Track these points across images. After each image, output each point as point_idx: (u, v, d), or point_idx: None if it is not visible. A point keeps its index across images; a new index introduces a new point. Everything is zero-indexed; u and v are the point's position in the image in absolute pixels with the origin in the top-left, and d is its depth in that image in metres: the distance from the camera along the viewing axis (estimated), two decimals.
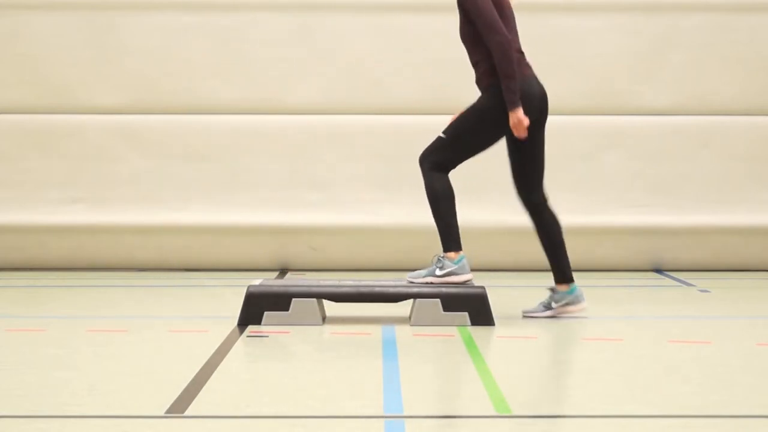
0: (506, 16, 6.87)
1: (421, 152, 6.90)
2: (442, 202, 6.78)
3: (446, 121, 9.92)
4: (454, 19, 9.97)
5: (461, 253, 6.75)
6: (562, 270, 6.96)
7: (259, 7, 9.85)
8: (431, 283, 6.73)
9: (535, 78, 6.85)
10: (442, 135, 6.88)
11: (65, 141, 9.79)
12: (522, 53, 6.86)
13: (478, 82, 6.88)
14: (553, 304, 6.96)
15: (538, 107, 6.84)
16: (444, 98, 9.83)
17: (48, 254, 9.77)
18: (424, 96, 9.85)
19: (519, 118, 6.68)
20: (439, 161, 6.83)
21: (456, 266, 6.72)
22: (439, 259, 6.76)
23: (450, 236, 6.77)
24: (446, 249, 6.76)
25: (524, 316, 6.98)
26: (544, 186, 7.06)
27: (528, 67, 6.86)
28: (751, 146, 9.86)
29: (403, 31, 9.87)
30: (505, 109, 6.69)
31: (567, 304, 6.95)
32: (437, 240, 9.69)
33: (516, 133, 6.73)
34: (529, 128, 6.77)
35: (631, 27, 9.84)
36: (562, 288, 6.97)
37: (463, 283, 6.73)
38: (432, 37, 9.84)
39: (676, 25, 9.84)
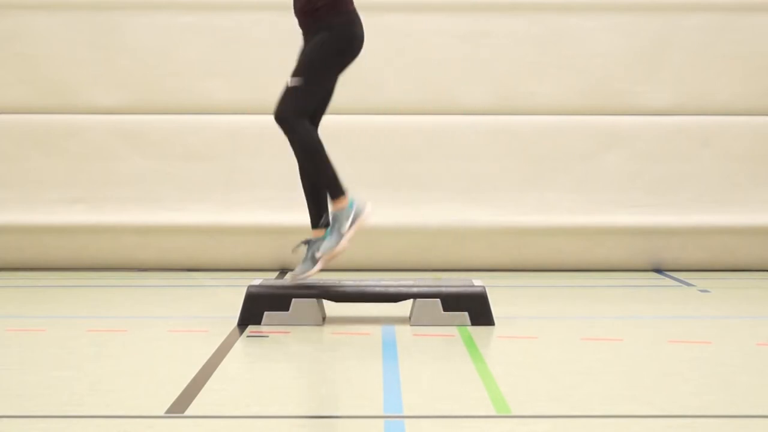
0: None
1: (277, 111, 6.63)
2: (319, 155, 6.58)
3: (445, 120, 9.99)
4: (452, 19, 10.04)
5: (349, 196, 6.57)
6: (319, 215, 6.72)
7: (259, 7, 9.85)
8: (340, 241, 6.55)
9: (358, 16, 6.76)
10: (294, 83, 6.58)
11: (65, 141, 9.80)
12: None
13: (314, 13, 6.67)
14: (317, 254, 6.65)
15: (358, 49, 6.79)
16: (444, 98, 9.84)
17: (48, 254, 9.77)
18: (424, 96, 9.85)
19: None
20: (303, 109, 6.61)
21: (354, 210, 6.54)
22: (335, 215, 6.55)
23: (337, 184, 6.56)
24: (335, 196, 6.53)
25: (294, 280, 6.66)
26: None
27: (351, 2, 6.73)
28: (751, 146, 9.86)
29: (402, 31, 9.87)
30: (346, 40, 6.67)
31: (330, 248, 6.62)
32: (436, 240, 9.73)
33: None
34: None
35: (631, 27, 9.84)
36: (318, 234, 6.71)
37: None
38: (431, 37, 9.84)
39: (676, 25, 9.84)
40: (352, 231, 6.58)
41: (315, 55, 6.62)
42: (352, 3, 6.76)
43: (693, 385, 5.14)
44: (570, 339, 6.36)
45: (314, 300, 6.68)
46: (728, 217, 9.78)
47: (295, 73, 6.63)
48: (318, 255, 6.63)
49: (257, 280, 6.97)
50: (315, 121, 6.82)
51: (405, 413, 4.52)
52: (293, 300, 6.66)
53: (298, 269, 6.73)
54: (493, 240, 9.74)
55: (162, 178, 9.79)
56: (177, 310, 7.67)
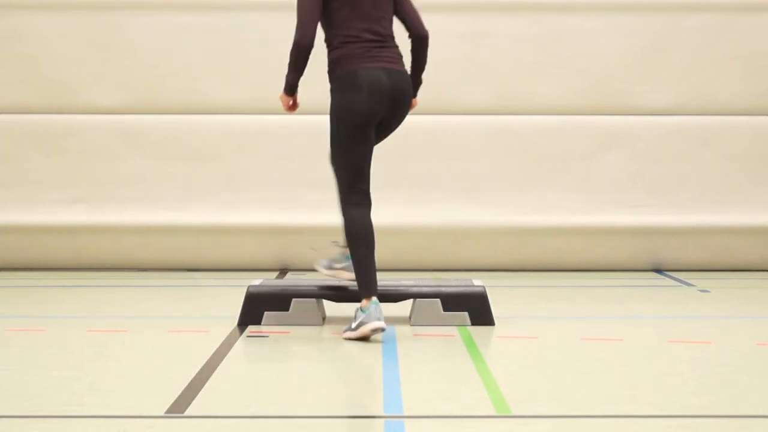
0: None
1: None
2: (355, 248, 6.30)
3: (445, 120, 9.99)
4: (452, 19, 10.03)
5: (373, 298, 6.19)
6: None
7: (258, 7, 9.85)
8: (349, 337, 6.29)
9: (385, 70, 6.61)
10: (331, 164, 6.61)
11: (65, 141, 9.80)
12: (377, 43, 6.65)
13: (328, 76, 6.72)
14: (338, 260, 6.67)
15: (385, 98, 6.60)
16: (444, 98, 9.84)
17: (48, 254, 9.77)
18: (424, 96, 9.82)
19: (281, 98, 6.68)
20: (345, 186, 6.50)
21: (363, 315, 6.17)
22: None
23: (361, 282, 6.25)
24: (360, 294, 6.24)
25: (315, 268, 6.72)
26: None
27: (376, 59, 6.64)
28: (751, 146, 9.86)
29: (402, 30, 9.86)
30: (346, 97, 6.52)
31: (344, 268, 6.62)
32: (436, 240, 9.73)
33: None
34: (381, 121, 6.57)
35: (631, 27, 9.84)
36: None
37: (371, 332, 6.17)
38: (431, 37, 9.83)
39: (676, 25, 9.84)
40: (353, 334, 6.19)
41: (330, 129, 6.63)
42: (354, 62, 6.58)
43: (693, 385, 5.14)
44: (570, 339, 6.36)
45: (314, 300, 6.69)
46: (728, 217, 9.78)
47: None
48: (323, 270, 6.71)
49: (257, 280, 6.97)
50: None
51: (405, 413, 4.52)
52: (293, 300, 6.66)
53: (324, 261, 6.78)
54: (493, 240, 9.74)
55: (162, 178, 9.79)
56: (177, 310, 7.67)
